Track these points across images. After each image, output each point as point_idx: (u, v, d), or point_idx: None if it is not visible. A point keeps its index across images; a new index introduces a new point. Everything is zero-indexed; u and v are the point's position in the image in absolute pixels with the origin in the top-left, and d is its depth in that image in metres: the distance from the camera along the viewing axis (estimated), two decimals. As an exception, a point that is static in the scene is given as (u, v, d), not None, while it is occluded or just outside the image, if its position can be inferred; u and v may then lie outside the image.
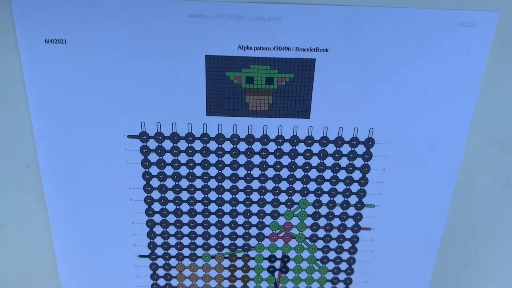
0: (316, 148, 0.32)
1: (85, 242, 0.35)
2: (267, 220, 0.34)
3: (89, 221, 0.34)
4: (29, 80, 0.29)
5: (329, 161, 0.33)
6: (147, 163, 0.32)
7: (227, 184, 0.33)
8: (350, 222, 0.35)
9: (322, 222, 0.35)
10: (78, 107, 0.30)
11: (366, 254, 0.36)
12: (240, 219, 0.34)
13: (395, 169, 0.33)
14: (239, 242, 0.35)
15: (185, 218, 0.34)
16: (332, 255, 0.36)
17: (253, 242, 0.35)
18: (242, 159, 0.32)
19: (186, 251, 0.35)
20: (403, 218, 0.34)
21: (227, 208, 0.34)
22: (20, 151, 0.32)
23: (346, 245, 0.36)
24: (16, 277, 0.37)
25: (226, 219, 0.34)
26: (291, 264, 0.36)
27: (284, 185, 0.33)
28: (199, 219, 0.34)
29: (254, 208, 0.34)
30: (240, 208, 0.34)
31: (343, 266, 0.36)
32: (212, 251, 0.36)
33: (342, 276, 0.37)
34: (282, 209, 0.34)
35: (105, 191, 0.33)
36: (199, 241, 0.35)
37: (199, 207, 0.34)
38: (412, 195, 0.33)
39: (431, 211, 0.34)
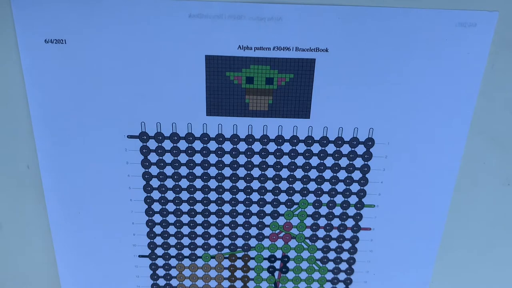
0: (316, 148, 0.32)
1: (85, 242, 0.35)
2: (267, 220, 0.34)
3: (89, 221, 0.34)
4: (29, 80, 0.29)
5: (329, 161, 0.33)
6: (147, 163, 0.32)
7: (227, 184, 0.33)
8: (350, 222, 0.35)
9: (322, 222, 0.35)
10: (78, 107, 0.30)
11: (366, 254, 0.36)
12: (240, 219, 0.34)
13: (395, 169, 0.33)
14: (239, 242, 0.35)
15: (185, 218, 0.34)
16: (332, 255, 0.36)
17: (253, 242, 0.35)
18: (242, 159, 0.32)
19: (186, 251, 0.35)
20: (403, 218, 0.34)
21: (227, 208, 0.34)
22: (20, 151, 0.32)
23: (346, 245, 0.36)
24: (16, 277, 0.37)
25: (226, 219, 0.34)
26: (291, 264, 0.36)
27: (284, 185, 0.33)
28: (199, 219, 0.34)
29: (254, 208, 0.34)
30: (240, 208, 0.34)
31: (343, 266, 0.36)
32: (212, 251, 0.36)
33: (342, 276, 0.37)
34: (282, 209, 0.34)
35: (105, 191, 0.33)
36: (199, 241, 0.35)
37: (199, 207, 0.34)
38: (412, 195, 0.33)
39: (431, 211, 0.34)
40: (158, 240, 0.35)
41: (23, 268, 0.36)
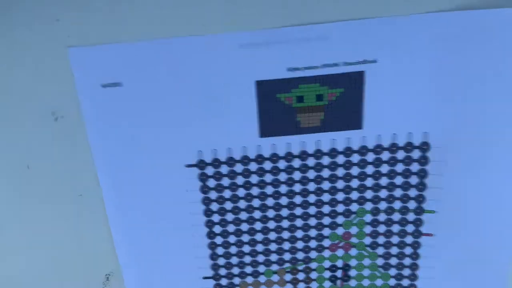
0: (370, 156, 0.32)
1: (152, 268, 0.36)
2: (326, 231, 0.35)
3: (154, 248, 0.35)
4: (89, 121, 0.30)
5: (384, 168, 0.32)
6: (206, 189, 0.33)
7: (283, 200, 0.33)
8: (410, 228, 0.34)
9: (382, 228, 0.34)
10: (137, 143, 0.31)
11: (429, 260, 0.35)
12: (299, 233, 0.35)
13: (454, 174, 0.32)
14: (299, 255, 0.36)
15: (245, 237, 0.35)
16: (393, 261, 0.36)
17: (313, 254, 0.35)
18: (297, 175, 0.32)
19: (248, 269, 0.36)
20: (467, 224, 0.33)
21: (285, 224, 0.34)
22: (20, 151, 0.32)
23: (408, 250, 0.35)
24: None
25: (285, 235, 0.35)
26: (352, 272, 0.36)
27: (340, 196, 0.33)
28: (259, 237, 0.35)
29: (312, 221, 0.34)
30: (298, 222, 0.34)
31: (406, 272, 0.36)
32: (274, 267, 0.36)
33: (405, 282, 0.36)
34: (340, 219, 0.34)
35: (168, 218, 0.34)
36: (260, 258, 0.36)
37: (258, 225, 0.34)
38: (474, 199, 0.32)
39: (499, 215, 0.33)
40: (221, 261, 0.36)
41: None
